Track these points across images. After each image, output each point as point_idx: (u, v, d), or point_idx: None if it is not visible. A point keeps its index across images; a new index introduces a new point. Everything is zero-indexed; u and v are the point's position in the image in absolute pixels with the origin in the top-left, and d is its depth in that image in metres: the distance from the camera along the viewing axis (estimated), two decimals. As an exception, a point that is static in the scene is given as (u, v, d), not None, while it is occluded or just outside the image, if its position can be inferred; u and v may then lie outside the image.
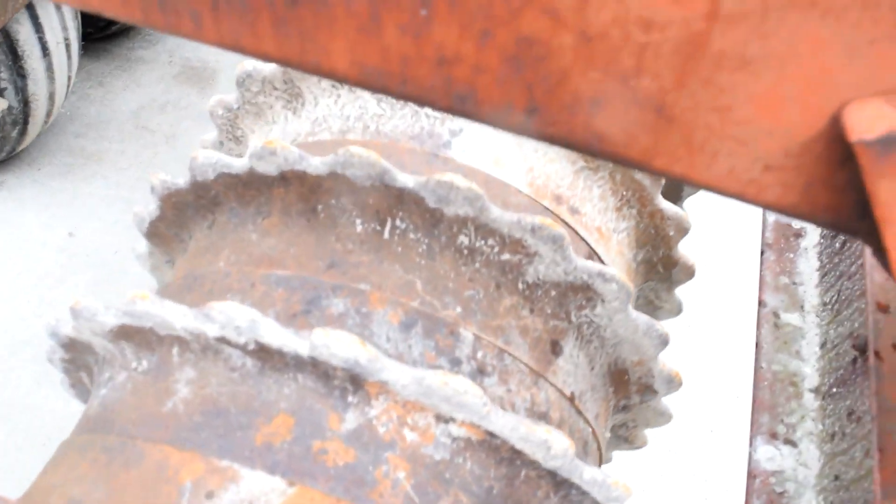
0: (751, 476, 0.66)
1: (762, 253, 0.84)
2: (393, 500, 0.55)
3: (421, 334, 0.63)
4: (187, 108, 2.09)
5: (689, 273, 0.89)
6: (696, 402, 1.54)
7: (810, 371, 0.73)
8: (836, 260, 0.79)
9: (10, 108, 1.60)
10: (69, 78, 1.77)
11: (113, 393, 0.64)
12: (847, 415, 0.66)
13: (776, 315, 0.77)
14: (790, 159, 0.36)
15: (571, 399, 0.70)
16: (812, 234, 0.86)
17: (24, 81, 1.59)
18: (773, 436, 0.70)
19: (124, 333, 0.62)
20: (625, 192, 0.80)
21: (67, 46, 1.71)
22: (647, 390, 0.80)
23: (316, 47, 0.39)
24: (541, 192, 0.75)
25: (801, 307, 0.80)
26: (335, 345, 0.54)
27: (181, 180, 0.74)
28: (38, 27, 1.55)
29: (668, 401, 0.84)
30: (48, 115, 1.77)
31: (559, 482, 0.61)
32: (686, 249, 0.88)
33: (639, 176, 0.79)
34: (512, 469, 0.60)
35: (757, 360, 0.74)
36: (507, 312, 0.67)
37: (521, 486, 0.60)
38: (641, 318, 0.71)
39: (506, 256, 0.67)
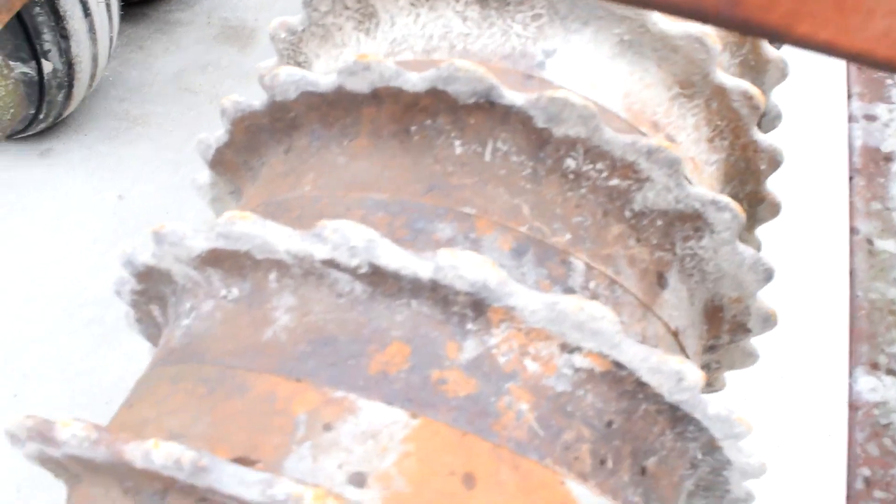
0: (852, 408, 0.63)
1: (850, 179, 0.80)
2: (517, 432, 0.52)
3: (533, 262, 0.59)
4: (228, 68, 2.06)
5: (775, 211, 0.85)
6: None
7: None
8: None
9: (55, 70, 1.57)
10: (111, 39, 1.74)
11: (199, 323, 0.60)
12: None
13: (870, 242, 0.73)
14: None
15: (675, 334, 0.67)
16: None
17: (67, 43, 1.56)
18: (874, 366, 0.67)
19: (214, 259, 0.58)
20: (719, 122, 0.76)
21: (108, 6, 1.68)
22: (740, 329, 0.77)
23: None
24: (638, 118, 0.71)
25: None
26: (463, 266, 0.50)
27: (256, 101, 0.69)
28: None
29: (755, 341, 0.80)
30: (92, 77, 1.75)
31: (678, 417, 0.58)
32: (774, 186, 0.84)
33: (736, 104, 0.74)
34: (632, 403, 0.56)
35: (852, 289, 0.70)
36: (616, 241, 0.63)
37: (639, 421, 0.57)
38: (748, 252, 0.68)
39: (614, 182, 0.63)
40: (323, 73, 0.76)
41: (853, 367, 0.66)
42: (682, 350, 0.68)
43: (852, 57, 0.34)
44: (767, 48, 0.87)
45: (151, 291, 0.68)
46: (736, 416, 0.58)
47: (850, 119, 0.81)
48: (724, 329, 0.77)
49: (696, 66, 0.71)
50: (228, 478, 0.43)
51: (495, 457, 0.51)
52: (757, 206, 0.84)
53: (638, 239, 0.65)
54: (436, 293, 0.52)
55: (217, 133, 0.74)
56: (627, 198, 0.63)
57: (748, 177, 0.81)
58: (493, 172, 0.61)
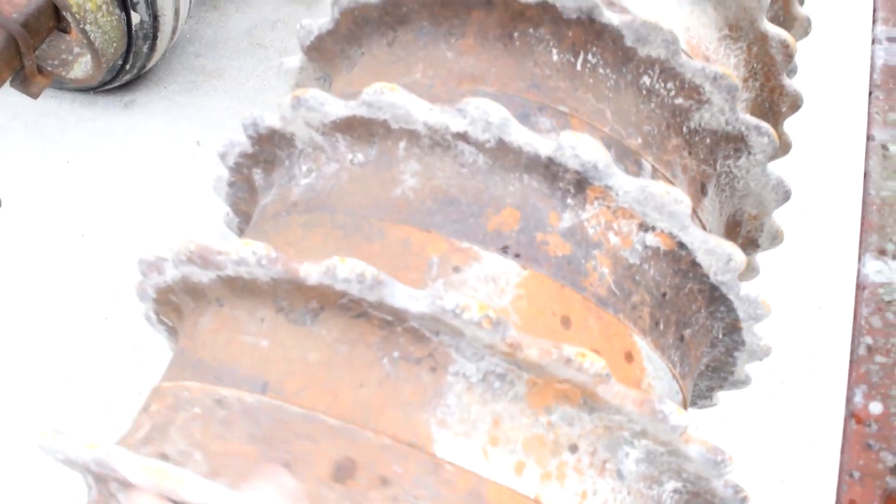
0: (859, 288, 0.73)
1: (870, 94, 0.90)
2: (600, 289, 0.64)
3: (615, 157, 0.70)
4: (296, 24, 2.22)
5: (786, 150, 0.97)
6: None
7: None
8: None
9: (141, 21, 1.66)
10: None
11: (323, 181, 0.69)
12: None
13: (885, 147, 0.83)
14: None
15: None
16: None
17: None
18: (882, 252, 0.76)
19: (347, 126, 0.67)
20: (755, 65, 0.87)
21: None
22: (751, 244, 0.90)
23: None
24: (695, 52, 0.82)
25: None
26: (582, 147, 0.61)
27: (371, -5, 0.77)
28: None
29: (759, 257, 0.94)
30: (173, 31, 1.85)
31: (715, 297, 0.71)
32: (788, 126, 0.96)
33: (773, 50, 0.86)
34: (683, 281, 0.69)
35: (865, 188, 0.79)
36: (674, 150, 0.75)
37: (684, 297, 0.70)
38: (774, 174, 0.80)
39: (679, 101, 0.74)
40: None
41: (862, 254, 0.76)
42: (711, 250, 0.80)
43: None
44: (796, 6, 0.99)
45: (262, 155, 0.77)
46: (761, 298, 0.71)
47: (874, 41, 0.91)
48: (738, 242, 0.90)
49: (746, 12, 0.82)
50: (400, 293, 0.54)
51: (584, 306, 0.63)
52: (771, 142, 0.97)
53: (690, 152, 0.76)
54: (548, 170, 0.63)
55: (321, 20, 0.83)
56: (687, 116, 0.75)
57: (769, 117, 0.93)
58: (582, 80, 0.72)
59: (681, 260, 0.67)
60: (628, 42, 0.71)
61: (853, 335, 0.77)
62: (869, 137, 0.89)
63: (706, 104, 0.74)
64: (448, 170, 0.65)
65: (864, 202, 0.84)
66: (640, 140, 0.72)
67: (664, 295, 0.68)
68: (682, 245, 0.66)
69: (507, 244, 0.63)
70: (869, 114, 0.94)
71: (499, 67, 0.72)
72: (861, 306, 0.76)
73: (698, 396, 0.91)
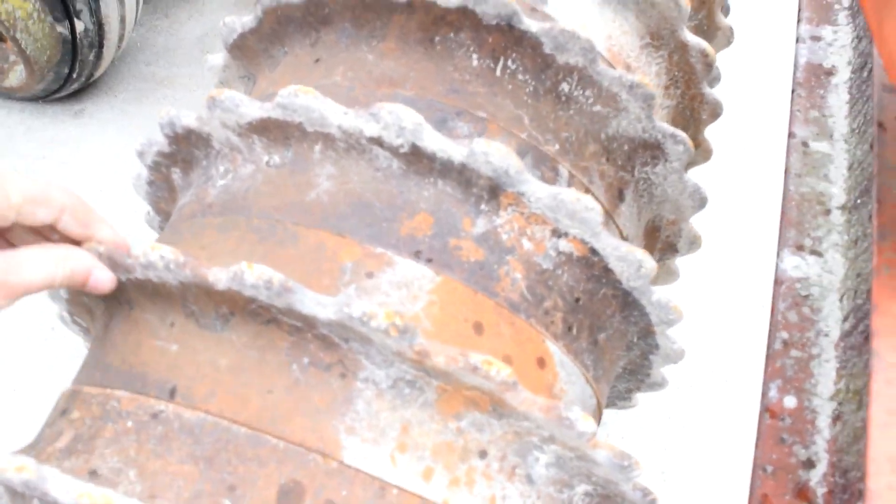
0: (777, 283, 0.74)
1: (793, 91, 0.92)
2: (512, 294, 0.65)
3: (531, 164, 0.71)
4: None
5: (707, 156, 1.00)
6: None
7: (838, 191, 0.80)
8: (864, 87, 0.86)
9: (86, 29, 1.64)
10: (137, 2, 1.83)
11: (238, 183, 0.69)
12: (868, 217, 0.73)
13: (805, 144, 0.84)
14: None
15: (626, 240, 0.81)
16: (843, 71, 0.92)
17: (97, 4, 1.65)
18: (800, 248, 0.77)
19: (262, 127, 0.67)
20: (676, 73, 0.89)
21: None
22: (670, 249, 0.92)
23: None
24: (616, 59, 0.83)
25: (831, 136, 0.86)
26: (494, 154, 0.61)
27: (293, -5, 0.77)
28: None
29: (679, 261, 0.96)
30: (120, 38, 1.83)
31: (628, 302, 0.72)
32: (709, 133, 0.99)
33: (693, 59, 0.88)
34: (596, 286, 0.70)
35: (785, 184, 0.81)
36: (591, 157, 0.76)
37: (598, 302, 0.71)
38: (690, 182, 0.82)
39: (597, 108, 0.75)
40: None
41: (781, 249, 0.78)
42: (629, 255, 0.82)
43: None
44: (719, 16, 1.01)
45: (180, 155, 0.76)
46: (673, 303, 0.72)
47: (798, 40, 0.93)
48: (658, 247, 0.92)
49: (667, 22, 0.84)
50: (309, 300, 0.53)
51: (496, 312, 0.63)
52: (695, 149, 0.99)
53: (608, 158, 0.78)
54: (462, 175, 0.63)
55: (245, 18, 0.82)
56: (605, 123, 0.76)
57: (690, 124, 0.95)
58: (501, 86, 0.73)
59: (593, 266, 0.68)
60: (547, 49, 0.72)
61: (770, 330, 0.78)
62: (790, 135, 0.91)
63: (623, 112, 0.75)
64: (363, 174, 0.65)
65: (783, 198, 0.86)
66: (557, 146, 0.73)
67: (577, 300, 0.69)
68: (594, 251, 0.67)
69: (420, 249, 0.63)
70: (791, 111, 0.96)
71: (418, 71, 0.72)
72: (778, 301, 0.78)
73: (617, 398, 0.93)
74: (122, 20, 1.75)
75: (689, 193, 0.83)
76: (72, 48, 1.66)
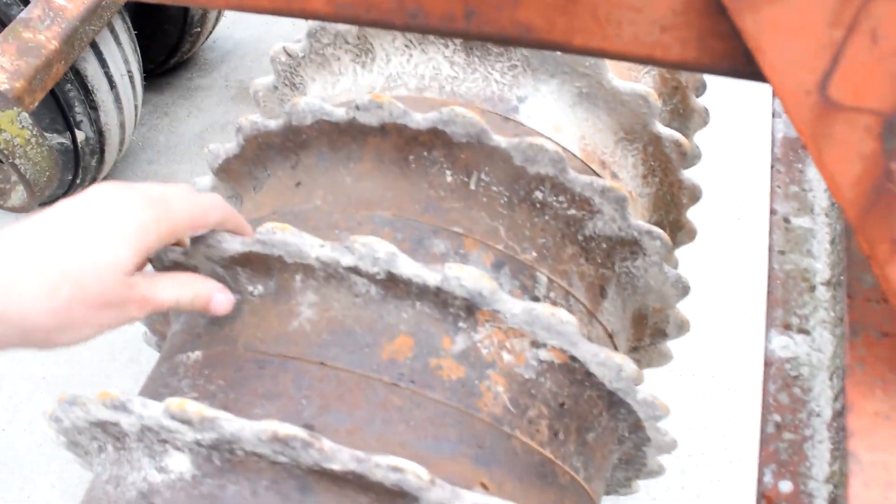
0: (767, 364, 0.74)
1: (772, 167, 0.92)
2: (494, 409, 0.66)
3: (509, 274, 0.73)
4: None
5: (692, 236, 1.01)
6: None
7: (821, 266, 0.80)
8: None
9: (87, 138, 1.72)
10: (136, 107, 1.90)
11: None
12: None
13: (787, 220, 0.85)
14: (678, 17, 0.41)
15: (611, 336, 0.82)
16: None
17: (96, 113, 1.72)
18: (787, 327, 0.77)
19: (245, 260, 0.69)
20: (653, 163, 0.91)
21: (131, 78, 1.83)
22: (659, 334, 0.93)
23: None
24: (590, 158, 0.86)
25: (812, 210, 0.87)
26: (465, 277, 0.63)
27: (273, 123, 0.80)
28: (102, 62, 1.70)
29: (671, 344, 0.97)
30: (121, 143, 1.90)
31: (614, 402, 0.73)
32: (692, 215, 1.00)
33: (667, 149, 0.90)
34: (580, 389, 0.71)
35: (770, 262, 0.81)
36: (570, 259, 0.78)
37: (584, 403, 0.72)
38: (672, 272, 0.84)
39: (572, 212, 0.77)
40: (327, 102, 0.87)
41: (768, 329, 0.78)
42: (616, 349, 0.83)
43: (623, 58, 0.44)
44: (693, 99, 1.03)
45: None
46: (658, 401, 0.73)
47: (774, 115, 0.94)
48: (647, 333, 0.93)
49: (638, 118, 0.86)
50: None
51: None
52: (678, 231, 1.01)
53: (586, 258, 0.79)
54: (438, 297, 0.65)
55: (228, 145, 0.85)
56: (581, 225, 0.78)
57: (672, 207, 0.97)
58: (476, 199, 0.75)
59: (575, 371, 0.70)
60: (517, 162, 0.74)
61: (762, 414, 0.79)
62: (772, 212, 0.92)
63: (598, 214, 0.77)
64: (343, 300, 0.67)
65: (769, 277, 0.87)
66: (534, 253, 0.75)
67: (562, 405, 0.70)
68: (574, 358, 0.68)
69: (402, 371, 0.65)
70: (771, 188, 0.97)
71: (395, 191, 0.75)
72: (769, 383, 0.78)
73: (618, 486, 0.93)
74: (122, 125, 1.81)
75: (672, 283, 0.84)
76: (74, 157, 1.72)
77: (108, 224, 0.56)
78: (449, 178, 0.75)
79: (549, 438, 0.69)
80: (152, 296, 0.59)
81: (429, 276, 0.64)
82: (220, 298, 0.65)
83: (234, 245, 0.68)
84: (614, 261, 0.82)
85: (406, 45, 0.86)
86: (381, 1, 0.46)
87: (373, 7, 0.47)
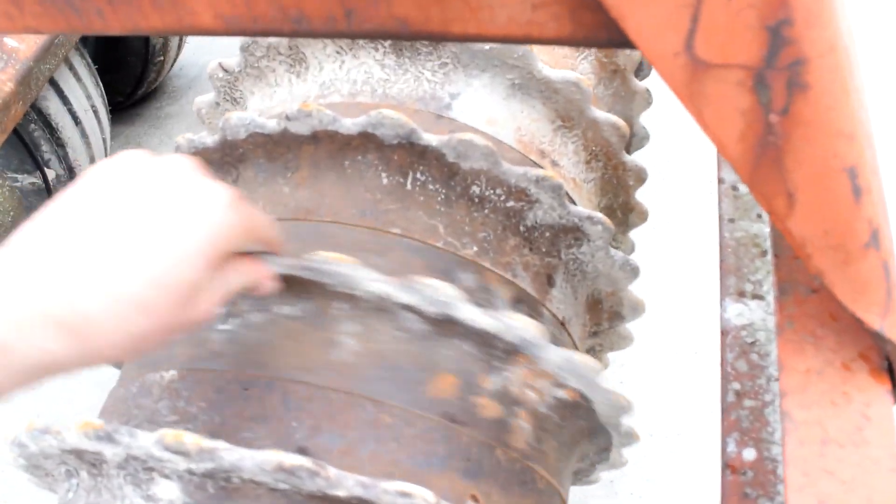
0: (723, 334, 0.74)
1: None
2: (521, 444, 0.70)
3: (449, 269, 0.73)
4: None
5: (643, 217, 1.02)
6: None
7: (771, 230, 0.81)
8: None
9: (57, 176, 1.72)
10: (105, 140, 1.90)
11: (248, 332, 0.69)
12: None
13: (734, 188, 0.85)
14: None
15: (563, 324, 0.83)
16: None
17: (63, 150, 1.72)
18: (741, 294, 0.77)
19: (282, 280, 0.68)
20: (594, 148, 0.92)
21: (95, 112, 1.83)
22: (616, 316, 0.93)
23: (186, 12, 0.49)
24: (528, 148, 0.86)
25: None
26: (523, 328, 0.67)
27: (209, 139, 0.80)
28: (64, 100, 1.70)
29: (630, 326, 0.97)
30: None
31: (599, 430, 0.77)
32: (641, 196, 1.01)
33: (606, 133, 0.90)
34: (575, 419, 0.75)
35: (721, 231, 0.81)
36: (512, 251, 0.78)
37: (573, 426, 0.75)
38: (618, 255, 0.84)
39: (510, 203, 0.78)
40: (265, 114, 0.88)
41: (723, 298, 0.78)
42: (570, 336, 0.84)
43: (502, 41, 0.44)
44: (634, 81, 1.04)
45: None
46: (634, 432, 0.76)
47: None
48: (604, 317, 0.93)
49: (573, 104, 0.87)
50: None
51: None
52: (629, 214, 1.02)
53: (530, 248, 0.80)
54: (484, 339, 0.67)
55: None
56: (521, 216, 0.79)
57: (619, 190, 0.98)
58: (413, 199, 0.76)
59: (580, 407, 0.74)
60: (450, 158, 0.75)
61: (721, 383, 0.79)
62: (720, 181, 0.92)
63: (536, 203, 0.78)
64: (388, 333, 0.67)
65: (720, 246, 0.87)
66: (475, 248, 0.76)
67: (567, 437, 0.76)
68: (585, 398, 0.73)
69: (446, 409, 0.67)
70: (717, 158, 0.98)
71: (332, 197, 0.76)
72: (726, 352, 0.78)
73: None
74: (92, 159, 1.82)
75: (620, 266, 0.85)
76: (47, 195, 1.72)
77: (182, 229, 0.48)
78: (385, 180, 0.76)
79: (532, 450, 0.71)
80: (215, 298, 0.52)
81: (489, 323, 0.66)
82: (267, 285, 0.60)
83: (278, 267, 0.65)
84: (559, 248, 0.82)
85: (337, 52, 0.87)
86: (265, 11, 0.47)
87: (259, 18, 0.48)
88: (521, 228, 0.79)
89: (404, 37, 0.47)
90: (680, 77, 0.42)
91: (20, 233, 0.47)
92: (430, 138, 0.74)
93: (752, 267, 0.83)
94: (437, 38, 0.46)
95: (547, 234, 0.81)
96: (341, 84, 0.86)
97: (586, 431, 0.78)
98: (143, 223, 0.47)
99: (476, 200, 0.77)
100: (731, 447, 0.75)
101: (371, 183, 0.76)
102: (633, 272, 0.86)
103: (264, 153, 0.79)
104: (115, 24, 0.54)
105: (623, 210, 1.00)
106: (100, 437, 0.60)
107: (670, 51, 0.41)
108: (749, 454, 0.75)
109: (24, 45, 1.46)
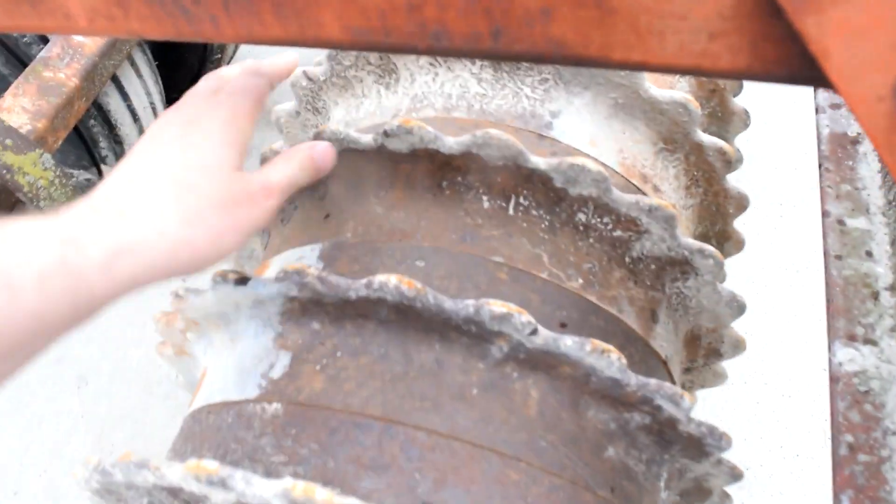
0: (833, 381, 0.69)
1: (820, 166, 0.86)
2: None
3: (554, 307, 0.68)
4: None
5: (740, 247, 0.96)
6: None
7: (883, 270, 0.74)
8: None
9: None
10: None
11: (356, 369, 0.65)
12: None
13: (841, 223, 0.79)
14: (728, 22, 0.37)
15: (665, 363, 0.77)
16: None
17: (121, 147, 1.70)
18: (852, 338, 0.71)
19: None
20: (696, 173, 0.86)
21: (154, 109, 1.81)
22: (714, 354, 0.88)
23: (311, 23, 0.46)
24: (630, 172, 0.81)
25: (867, 210, 0.80)
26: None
27: (297, 153, 0.76)
28: (125, 96, 1.68)
29: (726, 364, 0.92)
30: None
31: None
32: (739, 225, 0.95)
33: (711, 157, 0.85)
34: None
35: (827, 268, 0.75)
36: (618, 284, 0.73)
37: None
38: (726, 290, 0.78)
39: (617, 233, 0.73)
40: (351, 126, 0.83)
41: (832, 342, 0.72)
42: (670, 375, 0.78)
43: (668, 71, 0.41)
44: (732, 101, 0.98)
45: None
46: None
47: (817, 111, 0.88)
48: (700, 354, 0.88)
49: (679, 126, 0.82)
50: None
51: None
52: (724, 242, 0.96)
53: (635, 281, 0.75)
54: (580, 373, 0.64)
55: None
56: (628, 246, 0.73)
57: (718, 218, 0.92)
58: (516, 225, 0.71)
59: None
60: (558, 183, 0.70)
61: (832, 434, 0.73)
62: (824, 213, 0.86)
63: (645, 234, 0.73)
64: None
65: (826, 284, 0.81)
66: (580, 280, 0.71)
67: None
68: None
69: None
70: (821, 188, 0.91)
71: (429, 220, 0.71)
72: (836, 401, 0.72)
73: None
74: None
75: (727, 302, 0.79)
76: None
77: (202, 131, 0.56)
78: (486, 204, 0.71)
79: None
80: (269, 180, 0.59)
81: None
82: (319, 149, 0.65)
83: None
84: (664, 282, 0.77)
85: (431, 64, 0.82)
86: (401, 24, 0.42)
87: (392, 31, 0.43)
88: (627, 260, 0.74)
89: (557, 61, 0.42)
90: (881, 123, 0.37)
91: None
92: (539, 161, 0.69)
93: (864, 309, 0.77)
94: (594, 65, 0.41)
95: (652, 266, 0.75)
96: (435, 98, 0.82)
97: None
98: (171, 140, 0.56)
99: (581, 229, 0.72)
100: (846, 507, 0.69)
101: (471, 206, 0.71)
102: (740, 309, 0.81)
103: (356, 170, 0.74)
104: (229, 32, 0.50)
105: (719, 238, 0.95)
106: (211, 483, 0.55)
107: (875, 94, 0.36)
108: (866, 515, 0.69)
109: (90, 41, 1.44)
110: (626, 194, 0.70)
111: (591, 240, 0.72)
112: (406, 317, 0.63)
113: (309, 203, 0.79)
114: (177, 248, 0.50)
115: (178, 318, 0.79)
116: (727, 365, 0.94)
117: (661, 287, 0.77)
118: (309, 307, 0.66)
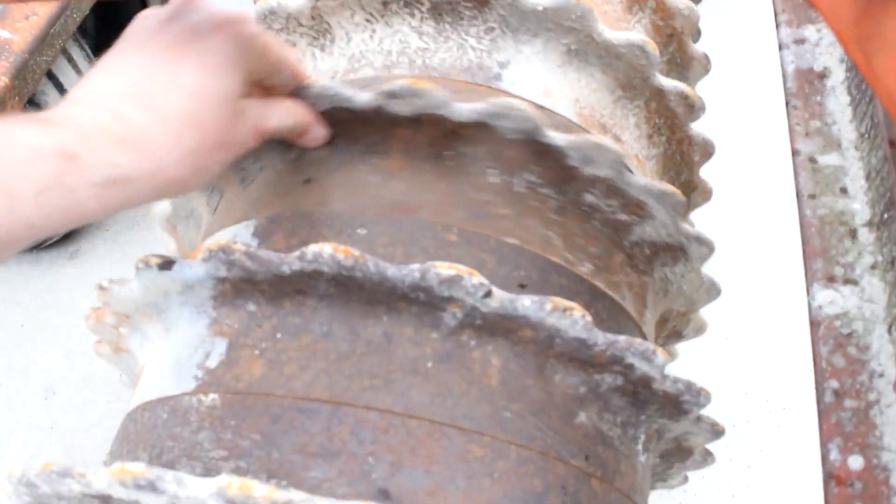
0: (813, 325, 0.67)
1: (787, 104, 0.84)
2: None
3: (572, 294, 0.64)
4: None
5: (707, 197, 0.93)
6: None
7: (860, 206, 0.73)
8: (864, 85, 0.76)
9: None
10: None
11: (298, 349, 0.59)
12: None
13: (812, 160, 0.78)
14: None
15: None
16: (837, 72, 0.83)
17: None
18: (831, 279, 0.70)
19: None
20: (657, 120, 0.82)
21: None
22: (675, 335, 0.87)
23: None
24: (588, 122, 0.76)
25: (839, 145, 0.79)
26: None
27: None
28: (63, 93, 1.56)
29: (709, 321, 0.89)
30: None
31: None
32: (705, 174, 0.92)
33: (673, 103, 0.81)
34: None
35: (800, 209, 0.74)
36: (619, 269, 0.70)
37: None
38: (707, 277, 0.77)
39: (621, 216, 0.69)
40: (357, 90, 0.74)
41: (809, 285, 0.71)
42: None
43: None
44: (691, 46, 0.95)
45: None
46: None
47: (781, 47, 0.86)
48: (663, 335, 0.87)
49: (637, 71, 0.76)
50: None
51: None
52: (691, 193, 0.93)
53: (631, 266, 0.72)
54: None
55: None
56: (629, 230, 0.70)
57: (683, 167, 0.89)
58: (525, 204, 0.65)
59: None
60: (572, 162, 0.65)
61: (816, 381, 0.71)
62: (794, 152, 0.84)
63: (649, 219, 0.69)
64: None
65: (801, 225, 0.79)
66: (589, 266, 0.67)
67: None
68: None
69: None
70: (789, 126, 0.88)
71: (434, 193, 0.64)
72: (818, 346, 0.70)
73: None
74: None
75: (706, 289, 0.78)
76: None
77: (206, 52, 0.54)
78: (493, 179, 0.65)
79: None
80: (262, 124, 0.58)
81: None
82: (318, 131, 0.64)
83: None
84: (654, 266, 0.74)
85: (367, 20, 0.74)
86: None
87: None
88: (625, 244, 0.71)
89: None
90: (847, 15, 0.34)
91: (96, 66, 0.54)
92: (556, 137, 0.64)
93: (842, 248, 0.75)
94: None
95: (647, 250, 0.72)
96: (373, 56, 0.73)
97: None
98: (179, 47, 0.53)
99: (587, 210, 0.68)
100: (834, 454, 0.68)
101: (477, 180, 0.65)
102: (715, 295, 0.80)
103: (344, 132, 0.66)
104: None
105: (685, 189, 0.91)
106: (139, 486, 0.48)
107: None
108: (856, 462, 0.68)
109: (19, 37, 1.33)
110: (639, 178, 0.66)
111: (595, 222, 0.68)
112: (348, 289, 0.56)
113: (280, 164, 0.69)
114: (169, 184, 0.51)
115: (108, 314, 0.69)
116: (710, 323, 0.92)
117: (651, 271, 0.74)
118: (242, 287, 0.59)
